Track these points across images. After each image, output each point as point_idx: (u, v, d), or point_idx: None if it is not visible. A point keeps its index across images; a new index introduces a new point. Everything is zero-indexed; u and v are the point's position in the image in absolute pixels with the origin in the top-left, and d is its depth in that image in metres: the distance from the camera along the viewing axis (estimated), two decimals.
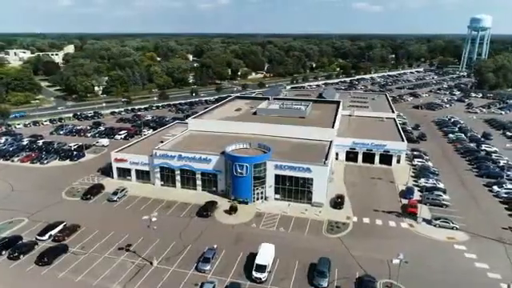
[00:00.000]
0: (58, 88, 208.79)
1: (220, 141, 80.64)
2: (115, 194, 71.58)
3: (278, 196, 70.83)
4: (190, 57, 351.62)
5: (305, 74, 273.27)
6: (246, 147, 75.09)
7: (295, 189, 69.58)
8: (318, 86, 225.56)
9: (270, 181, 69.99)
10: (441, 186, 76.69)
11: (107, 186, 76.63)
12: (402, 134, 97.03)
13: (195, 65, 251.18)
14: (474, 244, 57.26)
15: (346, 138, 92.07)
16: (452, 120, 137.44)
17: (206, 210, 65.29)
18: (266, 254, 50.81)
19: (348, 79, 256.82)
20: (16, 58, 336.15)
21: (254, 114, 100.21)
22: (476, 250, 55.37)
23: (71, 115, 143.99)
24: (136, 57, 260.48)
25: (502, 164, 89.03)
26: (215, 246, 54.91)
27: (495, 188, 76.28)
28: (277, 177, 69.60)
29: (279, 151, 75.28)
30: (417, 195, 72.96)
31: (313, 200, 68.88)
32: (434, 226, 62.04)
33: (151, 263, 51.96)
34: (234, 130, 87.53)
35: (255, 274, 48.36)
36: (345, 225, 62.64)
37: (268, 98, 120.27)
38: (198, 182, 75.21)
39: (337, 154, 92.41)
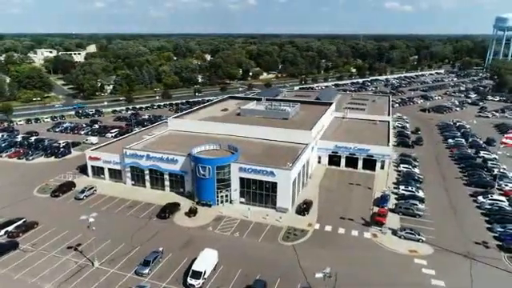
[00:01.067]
0: (71, 86, 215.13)
1: (195, 141, 79.20)
2: (82, 192, 71.93)
3: (243, 199, 68.87)
4: (208, 57, 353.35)
5: (315, 75, 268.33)
6: (216, 148, 73.58)
7: (260, 193, 67.43)
8: (327, 87, 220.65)
9: (235, 184, 68.14)
10: (420, 194, 72.16)
11: (81, 184, 77.03)
12: (391, 138, 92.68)
13: (207, 65, 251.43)
14: (436, 258, 53.17)
15: (329, 140, 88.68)
16: (457, 124, 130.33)
17: (164, 212, 64.30)
18: (205, 260, 49.14)
19: (361, 80, 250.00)
20: (42, 57, 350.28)
21: (238, 114, 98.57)
22: (436, 266, 51.36)
23: (73, 113, 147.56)
24: (150, 56, 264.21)
25: (495, 172, 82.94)
26: (160, 249, 53.76)
27: (480, 198, 71.07)
28: (242, 180, 67.63)
29: (250, 153, 73.40)
30: (393, 203, 69.08)
31: (277, 205, 66.45)
32: (399, 237, 58.25)
33: (93, 264, 51.46)
34: (211, 131, 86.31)
35: (189, 281, 46.80)
36: (303, 232, 59.88)
37: (261, 99, 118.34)
38: (166, 183, 74.42)
39: (319, 158, 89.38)
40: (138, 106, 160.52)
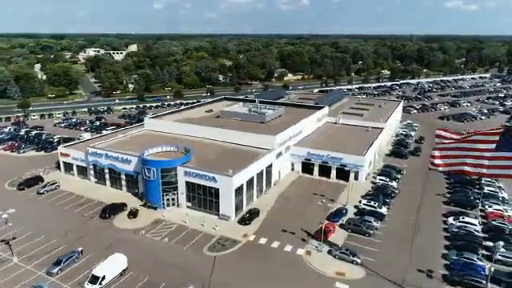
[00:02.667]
0: (100, 84, 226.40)
1: (162, 142, 78.71)
2: (44, 186, 74.39)
3: (189, 204, 67.23)
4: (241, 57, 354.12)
5: (342, 77, 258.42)
6: (173, 150, 72.61)
7: (205, 198, 65.37)
8: (349, 90, 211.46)
9: (182, 187, 66.67)
10: (381, 210, 65.73)
11: (49, 179, 79.63)
12: (374, 147, 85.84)
13: (230, 65, 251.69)
14: (362, 284, 47.86)
15: (302, 147, 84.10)
16: None
17: (105, 212, 64.44)
18: (108, 265, 48.28)
19: (389, 83, 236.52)
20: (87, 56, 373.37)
21: (218, 117, 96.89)
22: None
23: (86, 109, 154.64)
24: (179, 56, 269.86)
25: (486, 191, 73.51)
26: (79, 249, 53.77)
27: (450, 220, 63.20)
28: (188, 184, 66.01)
29: (206, 157, 71.68)
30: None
31: (220, 212, 63.98)
32: (334, 256, 53.30)
33: (13, 259, 52.63)
34: (183, 132, 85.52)
35: (86, 285, 46.14)
36: (234, 243, 56.90)
37: (255, 101, 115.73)
38: (123, 183, 74.76)
39: (292, 165, 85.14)
40: (148, 105, 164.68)
